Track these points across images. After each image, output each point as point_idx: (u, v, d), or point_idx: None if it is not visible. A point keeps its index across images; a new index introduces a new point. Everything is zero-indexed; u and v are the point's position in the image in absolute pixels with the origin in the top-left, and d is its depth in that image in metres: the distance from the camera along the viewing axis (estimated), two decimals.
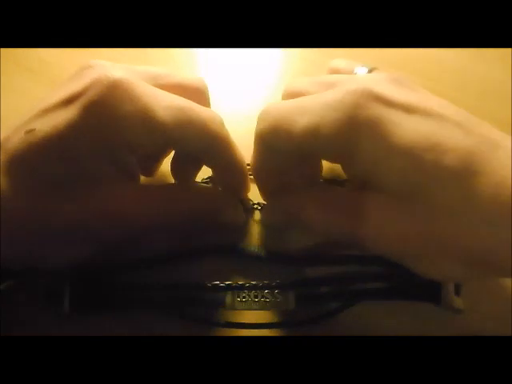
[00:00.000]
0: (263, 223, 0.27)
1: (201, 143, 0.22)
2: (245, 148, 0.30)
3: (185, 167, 0.26)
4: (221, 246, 0.26)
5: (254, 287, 0.23)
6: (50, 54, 0.33)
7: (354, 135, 0.20)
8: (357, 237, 0.21)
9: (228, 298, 0.23)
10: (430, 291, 0.23)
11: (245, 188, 0.26)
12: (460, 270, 0.20)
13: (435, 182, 0.19)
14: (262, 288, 0.23)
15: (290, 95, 0.24)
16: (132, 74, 0.22)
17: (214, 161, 0.24)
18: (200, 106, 0.23)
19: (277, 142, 0.22)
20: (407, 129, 0.19)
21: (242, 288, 0.23)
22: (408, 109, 0.19)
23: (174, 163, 0.26)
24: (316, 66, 0.33)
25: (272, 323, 0.23)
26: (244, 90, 0.32)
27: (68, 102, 0.21)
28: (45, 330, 0.23)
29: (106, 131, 0.20)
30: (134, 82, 0.21)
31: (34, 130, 0.20)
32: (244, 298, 0.23)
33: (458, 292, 0.23)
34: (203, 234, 0.25)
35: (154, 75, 0.23)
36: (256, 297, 0.23)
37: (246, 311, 0.23)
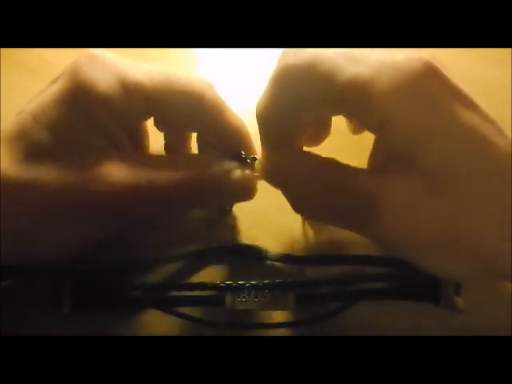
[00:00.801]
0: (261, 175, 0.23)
1: (185, 105, 0.22)
2: None
3: (176, 137, 0.25)
4: (221, 246, 0.26)
5: (254, 287, 0.23)
6: (50, 53, 0.33)
7: (407, 101, 0.18)
8: (367, 221, 0.20)
9: (228, 298, 0.23)
10: (429, 291, 0.23)
11: (249, 149, 0.24)
12: (470, 269, 0.19)
13: (478, 171, 0.18)
14: (262, 288, 0.23)
15: None
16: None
17: (204, 125, 0.23)
18: (184, 71, 0.23)
19: (311, 81, 0.20)
20: (459, 114, 0.18)
21: (241, 288, 0.23)
22: (459, 96, 0.19)
23: (165, 134, 0.26)
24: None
25: (272, 323, 0.23)
26: (244, 90, 0.32)
27: (53, 81, 0.22)
28: (45, 330, 0.23)
29: (87, 99, 0.20)
30: (112, 55, 0.21)
31: (23, 111, 0.21)
32: (244, 298, 0.23)
33: (457, 292, 0.23)
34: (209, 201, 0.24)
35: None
36: (256, 297, 0.23)
37: (246, 311, 0.23)
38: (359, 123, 0.22)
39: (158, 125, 0.25)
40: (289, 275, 0.25)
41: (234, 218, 0.27)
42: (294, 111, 0.21)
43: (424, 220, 0.19)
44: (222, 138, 0.23)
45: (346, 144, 0.29)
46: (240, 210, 0.28)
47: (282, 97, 0.21)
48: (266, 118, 0.21)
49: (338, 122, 0.31)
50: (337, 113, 0.21)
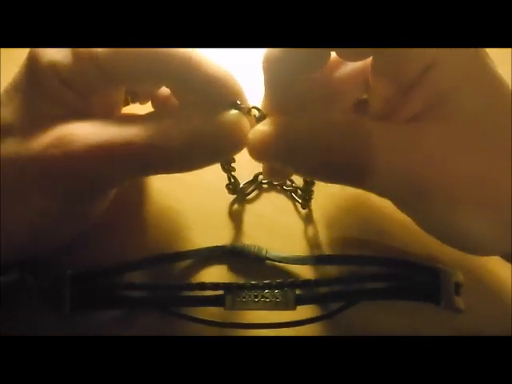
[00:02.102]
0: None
1: (150, 66, 0.20)
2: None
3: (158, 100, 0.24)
4: (221, 246, 0.26)
5: (254, 287, 0.23)
6: None
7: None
8: (391, 168, 0.18)
9: (228, 298, 0.23)
10: (430, 291, 0.23)
11: (240, 95, 0.21)
12: (498, 232, 0.18)
13: None
14: (262, 288, 0.23)
15: None
16: None
17: (177, 81, 0.21)
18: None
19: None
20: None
21: (242, 288, 0.23)
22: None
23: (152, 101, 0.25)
24: None
25: (272, 323, 0.23)
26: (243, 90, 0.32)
27: None
28: (45, 330, 0.23)
29: (38, 70, 0.20)
30: None
31: None
32: (244, 298, 0.23)
33: (457, 292, 0.23)
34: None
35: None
36: (256, 297, 0.23)
37: (246, 311, 0.23)
38: (398, 72, 0.20)
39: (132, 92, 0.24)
40: (289, 275, 0.25)
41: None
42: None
43: (460, 172, 0.18)
44: (206, 91, 0.21)
45: None
46: (240, 209, 0.28)
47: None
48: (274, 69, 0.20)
49: None
50: (375, 69, 0.20)
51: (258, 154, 0.20)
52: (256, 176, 0.28)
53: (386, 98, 0.20)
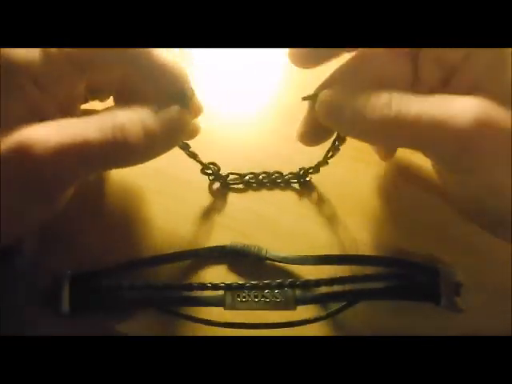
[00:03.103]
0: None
1: (111, 59, 0.22)
2: (244, 147, 0.30)
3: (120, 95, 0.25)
4: (221, 246, 0.26)
5: (254, 287, 0.23)
6: None
7: None
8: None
9: (228, 298, 0.23)
10: (430, 291, 0.23)
11: (187, 85, 0.23)
12: None
13: None
14: (262, 288, 0.23)
15: None
16: None
17: (138, 73, 0.22)
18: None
19: None
20: None
21: (241, 288, 0.23)
22: None
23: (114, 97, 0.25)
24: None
25: (272, 323, 0.23)
26: (244, 90, 0.32)
27: None
28: (45, 330, 0.23)
29: (7, 65, 0.20)
30: None
31: None
32: (244, 298, 0.23)
33: (457, 292, 0.23)
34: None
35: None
36: (256, 297, 0.23)
37: (246, 311, 0.23)
38: (444, 59, 0.22)
39: (92, 88, 0.24)
40: (289, 275, 0.25)
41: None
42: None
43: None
44: (158, 81, 0.22)
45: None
46: (240, 209, 0.28)
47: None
48: None
49: None
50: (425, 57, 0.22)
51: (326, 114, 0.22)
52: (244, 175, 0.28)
53: (431, 87, 0.22)
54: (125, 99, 0.24)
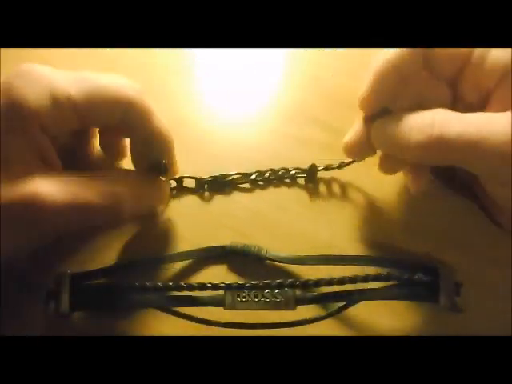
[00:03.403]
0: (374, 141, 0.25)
1: (114, 111, 0.23)
2: (244, 147, 0.30)
3: (110, 144, 0.27)
4: (220, 246, 0.26)
5: (254, 287, 0.23)
6: (50, 53, 0.33)
7: None
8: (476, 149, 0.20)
9: (228, 298, 0.23)
10: (430, 291, 0.23)
11: (173, 161, 0.26)
12: None
13: None
14: (262, 288, 0.23)
15: None
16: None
17: (132, 129, 0.24)
18: (113, 75, 0.23)
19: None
20: None
21: (241, 288, 0.23)
22: None
23: (101, 141, 0.27)
24: (317, 66, 0.33)
25: (272, 323, 0.23)
26: (244, 90, 0.32)
27: None
28: (45, 330, 0.23)
29: (19, 115, 0.21)
30: (39, 67, 0.22)
31: None
32: (244, 298, 0.23)
33: (458, 292, 0.23)
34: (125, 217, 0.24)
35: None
36: (256, 297, 0.23)
37: (246, 311, 0.23)
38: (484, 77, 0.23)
39: (100, 139, 0.26)
40: (289, 275, 0.25)
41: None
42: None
43: None
44: (148, 144, 0.24)
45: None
46: (240, 209, 0.28)
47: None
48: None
49: (336, 120, 0.31)
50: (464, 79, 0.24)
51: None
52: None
53: (469, 109, 0.23)
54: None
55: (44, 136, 0.22)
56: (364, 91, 0.24)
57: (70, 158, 0.24)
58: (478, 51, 0.22)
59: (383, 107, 0.24)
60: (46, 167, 0.22)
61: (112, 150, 0.27)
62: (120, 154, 0.27)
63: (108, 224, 0.26)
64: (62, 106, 0.21)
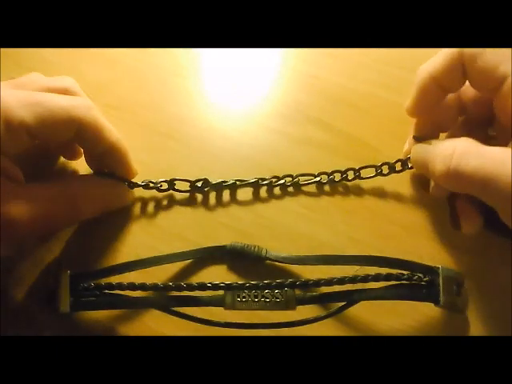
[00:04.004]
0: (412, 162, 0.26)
1: (66, 131, 0.23)
2: (244, 147, 0.30)
3: (66, 148, 0.28)
4: (221, 246, 0.26)
5: (254, 287, 0.23)
6: (50, 53, 0.33)
7: None
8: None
9: (228, 298, 0.23)
10: (430, 291, 0.23)
11: (126, 168, 0.27)
12: None
13: None
14: (262, 288, 0.23)
15: None
16: None
17: (85, 144, 0.25)
18: (64, 95, 0.24)
19: (473, 73, 0.23)
20: None
21: (241, 288, 0.23)
22: None
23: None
24: (316, 66, 0.33)
25: (272, 323, 0.23)
26: (244, 90, 0.32)
27: None
28: (45, 330, 0.23)
29: None
30: None
31: None
32: (244, 297, 0.23)
33: (458, 292, 0.23)
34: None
35: (19, 83, 0.24)
36: (256, 297, 0.23)
37: (246, 311, 0.23)
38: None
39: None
40: (289, 275, 0.25)
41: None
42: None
43: None
44: (101, 156, 0.26)
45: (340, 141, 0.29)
46: (240, 209, 0.28)
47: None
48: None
49: (335, 120, 0.31)
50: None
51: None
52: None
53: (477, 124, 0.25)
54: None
55: (3, 157, 0.22)
56: (408, 103, 0.26)
57: (31, 166, 0.25)
58: None
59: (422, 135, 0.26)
60: (10, 183, 0.22)
61: (68, 153, 0.28)
62: (76, 155, 0.28)
63: (68, 225, 0.27)
64: (16, 131, 0.22)
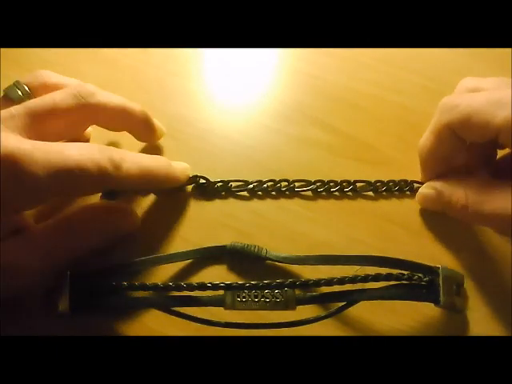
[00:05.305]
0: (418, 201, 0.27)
1: (76, 185, 0.23)
2: (244, 146, 0.30)
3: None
4: (220, 246, 0.26)
5: (254, 287, 0.23)
6: (50, 53, 0.33)
7: None
8: None
9: (228, 298, 0.23)
10: (430, 291, 0.23)
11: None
12: None
13: None
14: (262, 288, 0.23)
15: (469, 90, 0.25)
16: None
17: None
18: (75, 144, 0.23)
19: (469, 132, 0.23)
20: None
21: (241, 288, 0.23)
22: None
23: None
24: (316, 65, 0.33)
25: (272, 323, 0.23)
26: (243, 90, 0.32)
27: None
28: (45, 330, 0.23)
29: None
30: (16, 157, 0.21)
31: None
32: (244, 297, 0.23)
33: (458, 292, 0.23)
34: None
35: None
36: (256, 297, 0.23)
37: (246, 311, 0.23)
38: None
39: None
40: (289, 275, 0.25)
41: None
42: (456, 153, 0.25)
43: None
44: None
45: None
46: (240, 209, 0.28)
47: (447, 143, 0.25)
48: (430, 159, 0.26)
49: (335, 120, 0.31)
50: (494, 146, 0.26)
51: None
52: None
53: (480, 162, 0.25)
54: None
55: (15, 215, 0.23)
56: (420, 175, 0.27)
57: None
58: None
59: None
60: (14, 236, 0.22)
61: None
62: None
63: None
64: (31, 191, 0.21)
